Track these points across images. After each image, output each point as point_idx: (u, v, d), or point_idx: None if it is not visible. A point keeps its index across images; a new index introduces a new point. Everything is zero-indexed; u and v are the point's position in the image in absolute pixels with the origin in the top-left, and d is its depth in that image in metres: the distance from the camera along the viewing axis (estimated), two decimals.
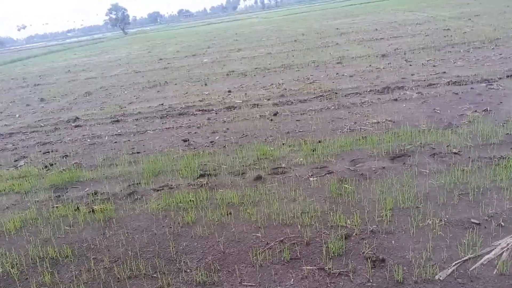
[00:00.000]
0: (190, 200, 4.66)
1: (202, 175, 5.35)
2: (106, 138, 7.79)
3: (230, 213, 4.26)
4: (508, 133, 5.33)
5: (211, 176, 5.30)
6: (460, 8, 25.00)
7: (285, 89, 9.77)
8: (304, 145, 5.88)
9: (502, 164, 4.45)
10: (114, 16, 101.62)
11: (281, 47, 18.49)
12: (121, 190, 5.23)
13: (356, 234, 3.59)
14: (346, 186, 4.47)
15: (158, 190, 5.11)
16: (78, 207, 4.81)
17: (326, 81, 10.11)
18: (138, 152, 6.71)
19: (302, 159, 5.44)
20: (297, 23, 34.24)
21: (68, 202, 5.06)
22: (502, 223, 3.46)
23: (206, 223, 4.14)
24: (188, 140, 6.95)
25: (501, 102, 6.67)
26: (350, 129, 6.44)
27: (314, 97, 8.66)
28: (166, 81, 13.41)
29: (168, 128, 7.93)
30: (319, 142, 5.97)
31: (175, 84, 12.80)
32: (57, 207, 4.93)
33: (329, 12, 45.04)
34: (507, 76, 8.12)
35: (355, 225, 3.71)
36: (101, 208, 4.70)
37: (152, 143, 7.12)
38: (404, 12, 28.68)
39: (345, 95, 8.45)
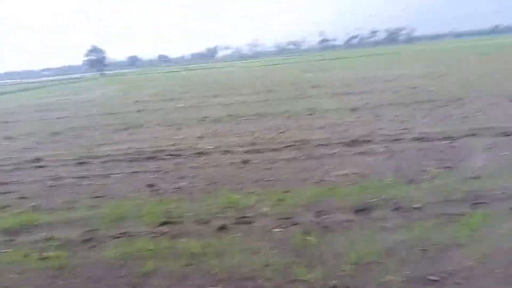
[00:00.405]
0: (149, 249, 4.51)
1: (164, 223, 5.21)
2: (69, 180, 7.57)
3: (191, 264, 4.13)
4: (468, 190, 5.47)
5: (174, 224, 5.17)
6: (427, 67, 26.43)
7: (257, 137, 9.88)
8: (272, 195, 5.87)
9: (461, 221, 4.54)
10: (93, 57, 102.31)
11: (256, 96, 18.88)
12: (78, 236, 5.02)
13: None
14: (310, 238, 4.44)
15: (117, 237, 4.92)
16: (29, 253, 4.56)
17: (298, 131, 10.29)
18: (100, 196, 6.52)
19: (269, 208, 5.40)
20: (273, 74, 35.30)
21: (20, 247, 4.80)
22: (460, 281, 3.48)
23: (165, 275, 3.99)
24: (154, 186, 6.83)
25: (462, 160, 6.92)
26: (318, 180, 6.49)
27: (285, 147, 8.76)
28: (139, 124, 13.35)
29: (135, 172, 7.79)
30: (287, 192, 5.98)
31: (148, 127, 12.75)
32: (6, 252, 4.66)
33: (304, 65, 46.76)
34: (469, 135, 8.47)
35: (317, 280, 3.65)
36: (54, 255, 4.47)
37: (116, 188, 6.94)
38: (374, 69, 30.06)
39: (315, 146, 8.59)
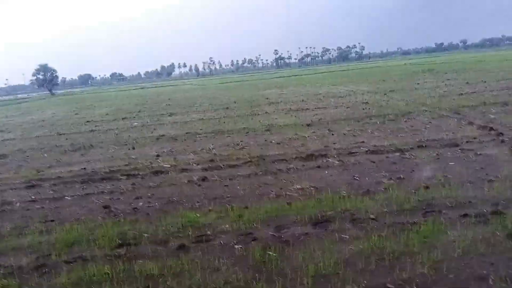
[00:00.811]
0: (105, 273, 4.33)
1: (120, 245, 5.04)
2: (18, 205, 7.17)
3: (148, 286, 4.01)
4: (419, 200, 5.71)
5: (130, 245, 5.02)
6: (377, 84, 27.59)
7: (215, 154, 9.84)
8: (230, 211, 5.84)
9: (414, 229, 4.72)
10: (41, 77, 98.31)
11: (213, 113, 18.88)
12: (28, 263, 4.74)
13: None
14: (270, 253, 4.45)
15: (70, 263, 4.70)
16: None
17: (255, 147, 10.36)
18: (52, 220, 6.21)
19: (228, 225, 5.37)
20: (230, 92, 35.49)
21: None
22: None
23: None
24: (109, 207, 6.61)
25: (413, 171, 7.23)
26: (276, 194, 6.55)
27: (243, 163, 8.79)
28: (91, 144, 12.93)
29: (89, 194, 7.51)
30: (246, 208, 5.97)
31: (101, 147, 12.37)
32: None
33: (260, 83, 47.42)
34: (418, 147, 8.88)
35: None
36: (2, 285, 4.19)
37: (69, 211, 6.66)
38: (328, 85, 31.00)
39: (272, 162, 8.67)
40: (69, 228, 5.73)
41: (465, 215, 4.98)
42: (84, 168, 9.53)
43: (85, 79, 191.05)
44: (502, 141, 8.63)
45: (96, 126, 18.02)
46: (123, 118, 20.26)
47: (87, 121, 20.21)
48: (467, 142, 8.88)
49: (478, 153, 7.92)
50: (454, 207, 5.35)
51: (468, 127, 10.52)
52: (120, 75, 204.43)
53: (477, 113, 12.31)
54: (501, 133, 9.35)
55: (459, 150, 8.28)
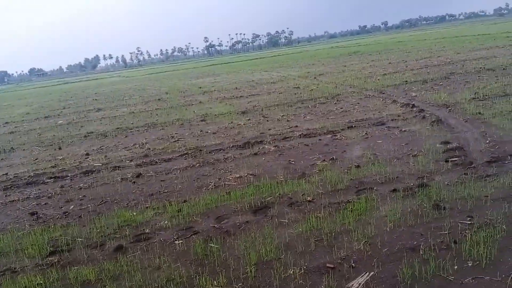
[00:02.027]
0: (37, 284, 4.07)
1: (52, 253, 4.73)
2: None
3: None
4: (352, 179, 5.96)
5: (63, 252, 4.73)
6: (307, 68, 28.29)
7: (149, 149, 9.54)
8: (169, 207, 5.71)
9: (348, 208, 4.92)
10: None
11: (144, 106, 18.27)
12: None
13: None
14: (212, 245, 4.42)
15: None
16: None
17: (191, 138, 10.20)
18: None
19: (167, 221, 5.24)
20: (161, 82, 34.53)
21: None
22: (353, 264, 3.75)
23: None
24: (37, 213, 6.17)
25: (344, 151, 7.52)
26: (214, 185, 6.50)
27: (179, 156, 8.61)
28: (11, 147, 11.95)
29: (13, 200, 6.96)
30: (185, 201, 5.87)
31: (23, 149, 11.48)
32: None
33: (192, 72, 46.64)
34: (348, 127, 9.25)
35: (222, 286, 3.64)
36: None
37: None
38: (260, 72, 31.24)
39: (209, 152, 8.59)
40: None
41: (394, 190, 5.28)
42: (6, 174, 8.80)
43: (1, 77, 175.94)
44: (423, 117, 9.25)
45: (15, 127, 16.69)
46: (46, 117, 18.95)
47: (6, 122, 18.66)
48: (392, 120, 9.40)
49: (403, 129, 8.42)
50: (383, 183, 5.65)
51: (393, 105, 11.14)
52: (40, 70, 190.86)
53: (400, 92, 13.07)
54: (422, 109, 10.01)
55: (385, 128, 8.75)
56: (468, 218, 4.34)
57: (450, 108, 9.76)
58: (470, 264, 3.54)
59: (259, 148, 8.40)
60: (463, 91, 11.72)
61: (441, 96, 11.28)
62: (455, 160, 6.21)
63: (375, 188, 5.49)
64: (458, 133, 7.67)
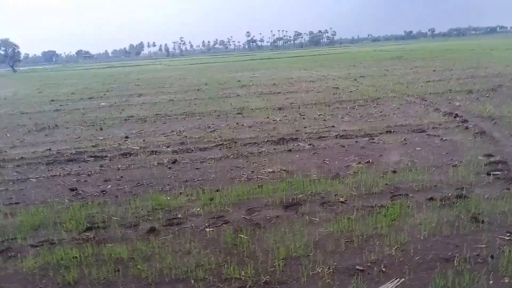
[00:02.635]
0: (73, 257, 4.23)
1: (89, 228, 4.92)
2: None
3: (118, 270, 3.94)
4: (387, 184, 5.85)
5: (99, 229, 4.91)
6: (347, 69, 27.89)
7: (186, 137, 9.72)
8: (202, 194, 5.80)
9: (382, 212, 4.84)
10: (2, 53, 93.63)
11: (183, 95, 18.60)
12: None
13: (249, 286, 3.55)
14: (242, 236, 4.46)
15: (36, 246, 4.56)
16: None
17: (226, 130, 10.30)
18: (16, 203, 5.99)
19: (199, 209, 5.33)
20: (200, 73, 35.00)
21: None
22: (383, 269, 3.70)
23: (90, 283, 3.76)
24: (76, 189, 6.42)
25: (381, 155, 7.38)
26: (247, 178, 6.55)
27: (214, 146, 8.72)
28: (56, 124, 12.49)
29: (54, 175, 7.28)
30: (217, 191, 5.95)
31: (67, 128, 11.98)
32: None
33: (231, 65, 46.97)
34: (386, 132, 9.07)
35: (249, 277, 3.67)
36: None
37: (34, 193, 6.43)
38: (299, 70, 31.08)
39: (244, 145, 8.65)
40: (34, 211, 5.54)
41: (431, 199, 5.14)
42: (49, 149, 9.21)
43: (49, 56, 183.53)
44: (466, 128, 8.93)
45: (61, 105, 17.40)
46: (89, 98, 19.65)
47: (52, 100, 19.49)
48: (433, 128, 9.13)
49: (444, 138, 8.17)
50: (420, 190, 5.51)
51: (434, 113, 10.82)
52: (87, 52, 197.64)
53: (443, 100, 12.67)
54: (465, 120, 9.67)
55: (425, 136, 8.52)
56: (508, 234, 4.18)
57: (495, 121, 9.38)
58: (506, 281, 3.42)
59: (293, 145, 8.39)
60: (510, 105, 11.22)
61: (486, 108, 10.84)
62: (497, 174, 5.97)
63: (411, 195, 5.37)
64: (502, 147, 7.36)
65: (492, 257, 3.76)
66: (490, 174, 5.97)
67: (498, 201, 4.97)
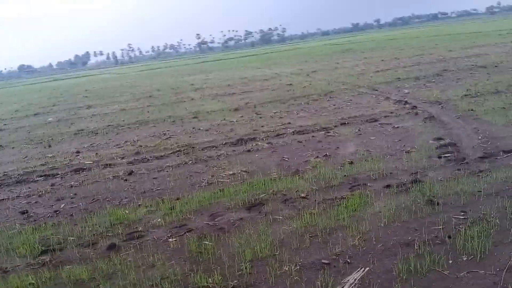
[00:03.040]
0: (29, 284, 3.99)
1: (44, 252, 4.66)
2: None
3: None
4: (345, 175, 5.96)
5: (55, 251, 4.65)
6: (300, 65, 28.27)
7: (141, 146, 9.46)
8: (162, 204, 5.66)
9: (343, 204, 4.91)
10: None
11: (135, 103, 18.14)
12: None
13: None
14: (206, 242, 4.38)
15: None
16: None
17: (183, 136, 10.13)
18: None
19: (160, 219, 5.19)
20: (152, 79, 34.30)
21: None
22: (348, 260, 3.74)
23: None
24: (27, 212, 6.07)
25: (337, 148, 7.51)
26: (208, 182, 6.46)
27: (171, 153, 8.54)
28: (0, 145, 11.79)
29: (3, 199, 6.85)
30: (178, 199, 5.82)
31: (13, 148, 11.32)
32: None
33: (183, 69, 46.41)
34: (341, 124, 9.25)
35: (217, 283, 3.61)
36: None
37: None
38: (253, 69, 31.18)
39: (201, 149, 8.53)
40: None
41: (388, 186, 5.28)
42: None
43: None
44: (416, 114, 9.29)
45: (4, 124, 16.46)
46: (35, 114, 18.72)
47: None
48: (385, 116, 9.43)
49: (396, 126, 8.45)
50: (377, 179, 5.65)
51: (385, 102, 11.17)
52: (29, 67, 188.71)
53: (393, 89, 13.12)
54: (415, 106, 10.05)
55: (378, 125, 8.77)
56: (462, 213, 4.36)
57: (442, 105, 9.82)
58: (465, 259, 3.55)
59: (252, 145, 8.37)
60: (456, 88, 11.79)
61: (433, 93, 11.34)
62: (448, 156, 6.24)
63: (368, 184, 5.49)
64: (451, 130, 7.71)
65: (449, 237, 3.90)
66: (441, 157, 6.23)
67: (450, 182, 5.18)
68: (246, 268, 3.79)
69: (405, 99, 10.98)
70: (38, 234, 5.16)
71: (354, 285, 3.36)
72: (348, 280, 3.44)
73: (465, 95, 10.59)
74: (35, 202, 6.53)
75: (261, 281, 3.58)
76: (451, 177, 5.37)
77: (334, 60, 28.91)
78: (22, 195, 6.97)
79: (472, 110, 8.87)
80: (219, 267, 3.87)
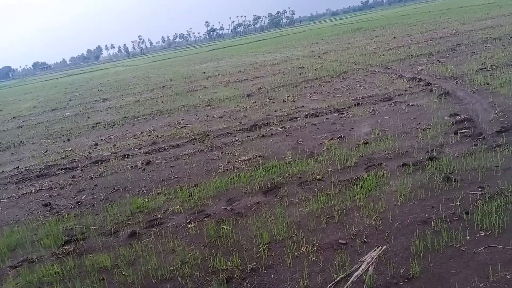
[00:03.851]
0: (55, 273, 4.14)
1: (68, 242, 4.82)
2: None
3: (103, 279, 3.88)
4: (360, 156, 5.94)
5: (78, 241, 4.81)
6: (311, 47, 27.98)
7: (157, 136, 9.58)
8: (180, 192, 5.75)
9: (358, 184, 4.92)
10: None
11: (149, 94, 18.28)
12: None
13: (237, 275, 3.56)
14: (224, 227, 4.46)
15: (15, 267, 4.45)
16: None
17: (197, 124, 10.21)
18: None
19: (178, 206, 5.29)
20: (164, 69, 34.43)
21: None
22: (365, 239, 3.77)
23: None
24: (50, 204, 6.26)
25: (352, 129, 7.48)
26: (224, 169, 6.52)
27: (187, 141, 8.63)
28: (21, 141, 12.08)
29: (26, 193, 7.06)
30: (195, 186, 5.91)
31: (32, 143, 11.60)
32: None
33: (195, 57, 46.39)
34: (355, 105, 9.18)
35: (236, 266, 3.68)
36: None
37: (7, 213, 6.24)
38: (263, 54, 30.98)
39: (216, 136, 8.60)
40: (9, 231, 5.39)
41: (404, 165, 5.26)
42: (17, 167, 8.91)
43: (5, 73, 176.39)
44: (431, 91, 9.14)
45: (24, 121, 16.82)
46: (53, 110, 19.06)
47: (13, 117, 18.80)
48: (399, 95, 9.31)
49: (410, 104, 8.35)
50: (392, 158, 5.63)
51: (399, 80, 11.02)
52: (43, 63, 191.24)
53: (406, 66, 12.90)
54: (429, 83, 9.89)
55: (392, 104, 8.68)
56: (479, 189, 4.32)
57: (457, 80, 9.63)
58: (482, 234, 3.54)
59: (266, 130, 8.39)
60: (470, 62, 11.54)
61: (447, 68, 11.12)
62: (464, 132, 6.16)
63: (384, 163, 5.48)
64: (467, 105, 7.58)
65: (466, 213, 3.89)
66: (457, 133, 6.15)
67: (467, 159, 5.13)
68: (264, 250, 3.85)
69: (419, 76, 10.80)
70: (61, 225, 5.32)
71: (371, 264, 3.39)
72: (365, 259, 3.47)
73: (480, 69, 10.37)
74: (57, 195, 6.71)
75: (279, 263, 3.65)
76: (468, 153, 5.31)
77: (345, 40, 28.49)
78: (44, 188, 7.16)
79: (487, 83, 8.69)
80: (237, 251, 3.95)
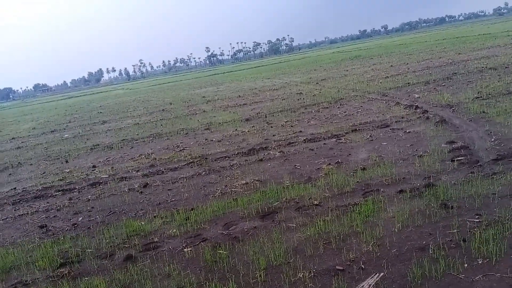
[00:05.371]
0: None
1: (63, 264, 4.76)
2: None
3: None
4: (358, 181, 5.96)
5: (73, 263, 4.75)
6: (309, 74, 28.37)
7: (155, 159, 9.59)
8: (176, 215, 5.73)
9: (356, 210, 4.92)
10: None
11: (148, 117, 18.39)
12: None
13: None
14: (221, 251, 4.43)
15: None
16: None
17: (196, 147, 10.24)
18: None
19: (175, 230, 5.26)
20: (164, 93, 34.73)
21: None
22: (363, 266, 3.75)
23: None
24: (46, 226, 6.21)
25: (349, 154, 7.52)
26: (221, 192, 6.52)
27: (185, 164, 8.65)
28: (19, 162, 12.06)
29: (22, 214, 7.01)
30: (192, 209, 5.89)
31: (31, 164, 11.58)
32: None
33: (195, 82, 46.90)
34: (352, 131, 9.26)
35: None
36: None
37: (2, 235, 6.18)
38: (262, 79, 31.35)
39: (214, 160, 8.62)
40: (4, 253, 5.33)
41: (401, 191, 5.27)
42: (14, 188, 8.88)
43: (6, 94, 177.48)
44: (427, 118, 9.25)
45: (22, 142, 16.84)
46: (52, 131, 19.11)
47: (12, 138, 18.84)
48: (396, 122, 9.40)
49: (407, 131, 8.43)
50: (390, 184, 5.65)
51: (396, 107, 11.14)
52: (44, 85, 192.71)
53: (403, 94, 13.07)
54: (426, 110, 10.01)
55: (389, 130, 8.75)
56: (477, 216, 4.33)
57: (453, 108, 9.76)
58: (480, 262, 3.53)
59: (264, 154, 8.43)
60: (466, 91, 11.71)
61: (444, 97, 11.28)
62: (461, 159, 6.20)
63: (381, 189, 5.49)
64: (463, 133, 7.66)
65: (464, 240, 3.89)
66: (454, 160, 6.20)
67: (464, 186, 5.15)
68: (260, 276, 3.82)
69: (416, 104, 10.94)
70: (57, 247, 5.27)
71: None
72: (363, 286, 3.45)
73: (476, 98, 10.52)
74: (54, 216, 6.67)
75: None
76: (465, 180, 5.34)
77: (343, 67, 28.93)
78: (41, 209, 7.12)
79: (484, 112, 8.80)
80: (234, 276, 3.91)
